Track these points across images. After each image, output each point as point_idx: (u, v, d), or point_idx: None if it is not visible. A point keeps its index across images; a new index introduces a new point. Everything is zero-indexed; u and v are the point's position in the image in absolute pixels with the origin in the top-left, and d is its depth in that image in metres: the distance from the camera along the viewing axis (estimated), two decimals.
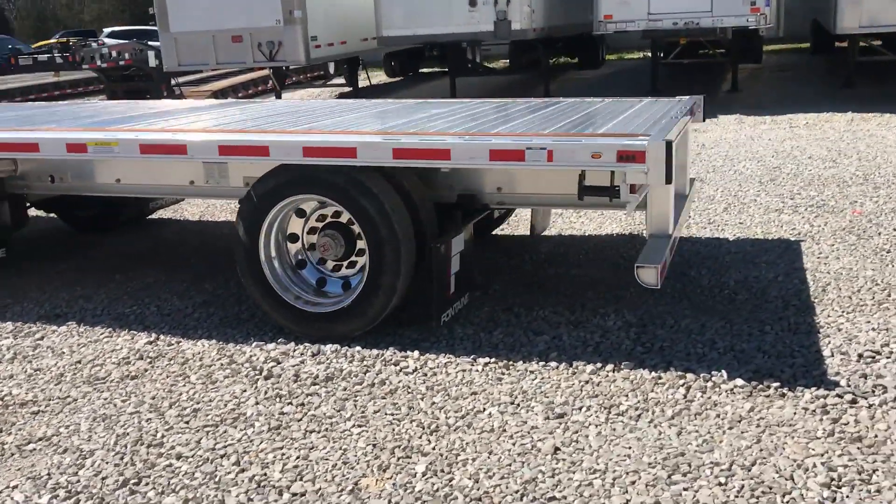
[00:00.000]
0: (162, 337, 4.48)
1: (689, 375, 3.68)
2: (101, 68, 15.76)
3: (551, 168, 3.72)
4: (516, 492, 2.90)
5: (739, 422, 3.29)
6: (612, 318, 4.38)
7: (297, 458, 3.21)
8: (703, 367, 3.75)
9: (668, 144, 3.51)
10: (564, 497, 2.86)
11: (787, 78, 16.21)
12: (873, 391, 3.46)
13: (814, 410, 3.33)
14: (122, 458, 3.26)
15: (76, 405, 3.75)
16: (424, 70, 22.01)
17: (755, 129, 10.57)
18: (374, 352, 4.10)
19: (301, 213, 4.35)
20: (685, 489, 2.86)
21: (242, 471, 3.13)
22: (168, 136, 4.32)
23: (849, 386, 3.51)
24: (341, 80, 19.41)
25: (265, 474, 3.10)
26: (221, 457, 3.24)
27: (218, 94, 17.21)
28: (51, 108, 6.97)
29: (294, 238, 4.40)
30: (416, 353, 4.06)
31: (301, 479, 3.06)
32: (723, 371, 3.69)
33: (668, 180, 3.55)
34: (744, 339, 4.05)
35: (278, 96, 16.23)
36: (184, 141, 4.24)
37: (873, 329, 4.08)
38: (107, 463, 3.24)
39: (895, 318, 4.21)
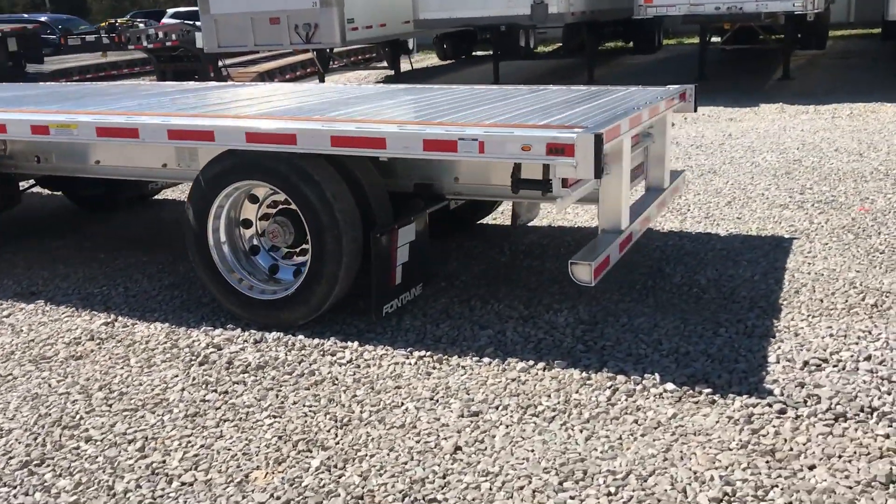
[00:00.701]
0: (120, 318, 4.54)
1: (620, 377, 3.55)
2: (147, 49, 16.06)
3: (484, 159, 3.61)
4: (400, 492, 2.84)
5: (656, 428, 3.16)
6: (564, 314, 4.26)
7: (201, 446, 3.20)
8: (638, 368, 3.62)
9: (598, 138, 3.37)
10: (446, 499, 2.79)
11: (848, 65, 15.57)
12: (805, 402, 3.28)
13: (737, 420, 3.18)
14: (35, 439, 3.30)
15: (14, 384, 3.82)
16: (479, 53, 21.82)
17: (794, 118, 10.18)
18: (316, 341, 4.07)
19: (254, 199, 4.34)
20: (571, 497, 2.76)
21: (144, 457, 3.14)
22: (122, 120, 4.35)
23: (782, 395, 3.34)
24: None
25: (164, 462, 3.11)
26: (129, 442, 3.26)
27: (264, 76, 17.41)
28: (66, 89, 7.13)
29: (248, 224, 4.40)
30: (356, 343, 4.02)
31: (196, 469, 3.05)
32: (656, 374, 3.55)
33: (598, 175, 3.41)
34: (693, 340, 3.90)
35: (321, 79, 16.31)
36: (135, 124, 4.26)
37: (831, 335, 3.87)
38: (19, 443, 3.29)
39: (860, 323, 3.99)
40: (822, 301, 4.31)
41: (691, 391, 3.42)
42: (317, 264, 4.04)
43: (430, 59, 23.05)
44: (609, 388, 3.48)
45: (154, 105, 5.13)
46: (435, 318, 4.30)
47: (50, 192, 7.07)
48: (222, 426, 3.35)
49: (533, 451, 3.05)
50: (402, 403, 3.45)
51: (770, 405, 3.27)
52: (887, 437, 3.02)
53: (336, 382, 3.67)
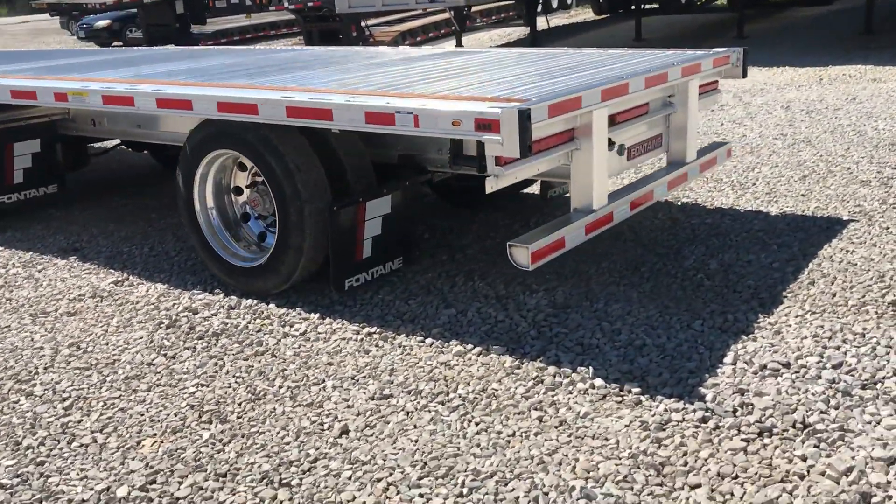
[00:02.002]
0: (130, 278, 4.77)
1: (551, 368, 3.34)
2: (290, 9, 16.57)
3: (420, 133, 3.46)
4: (263, 472, 2.82)
5: (557, 427, 2.95)
6: (539, 296, 4.04)
7: (119, 409, 3.32)
8: (577, 360, 3.38)
9: (522, 113, 3.13)
10: (300, 484, 2.74)
11: None
12: (735, 411, 2.94)
13: (649, 425, 2.90)
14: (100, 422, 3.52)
15: (5, 335, 4.12)
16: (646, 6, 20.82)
17: None
18: (283, 311, 4.10)
19: (243, 167, 4.40)
20: (420, 495, 2.64)
21: (65, 416, 3.30)
22: (123, 88, 4.52)
23: (713, 402, 3.01)
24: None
25: (79, 422, 3.25)
26: (63, 399, 3.43)
27: (406, 35, 17.57)
28: (134, 53, 7.51)
29: (239, 191, 4.47)
30: (317, 315, 4.01)
31: (101, 431, 3.17)
32: (590, 367, 3.30)
33: (524, 153, 3.18)
34: (656, 333, 3.59)
35: (458, 40, 16.25)
36: (131, 93, 4.42)
37: (815, 336, 3.44)
38: None
39: (861, 324, 3.52)
40: (833, 296, 3.84)
41: (619, 389, 3.16)
42: (283, 235, 4.05)
43: (586, 14, 22.40)
44: (533, 379, 3.28)
45: (174, 72, 5.30)
46: (409, 293, 4.22)
47: (135, 152, 7.50)
48: (152, 391, 3.46)
49: (417, 441, 2.94)
50: (324, 381, 3.42)
51: (694, 412, 2.96)
52: (804, 458, 2.66)
53: (276, 355, 3.69)
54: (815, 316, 3.65)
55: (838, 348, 3.33)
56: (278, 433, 3.06)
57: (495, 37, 18.39)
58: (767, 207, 5.24)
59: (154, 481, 2.82)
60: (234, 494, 2.72)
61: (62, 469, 2.94)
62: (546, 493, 2.58)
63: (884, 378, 3.08)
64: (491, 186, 3.33)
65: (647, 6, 17.15)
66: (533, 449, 2.83)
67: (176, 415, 3.25)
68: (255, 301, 4.23)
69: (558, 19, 21.87)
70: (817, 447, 2.71)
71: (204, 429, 3.14)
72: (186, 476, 2.84)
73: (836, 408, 2.92)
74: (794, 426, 2.84)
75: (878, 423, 2.81)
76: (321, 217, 3.98)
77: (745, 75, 4.99)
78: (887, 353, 3.26)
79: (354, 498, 2.65)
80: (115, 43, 22.03)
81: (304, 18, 17.19)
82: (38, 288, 4.73)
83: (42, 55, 8.24)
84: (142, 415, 3.28)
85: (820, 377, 3.12)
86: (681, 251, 4.56)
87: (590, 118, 3.64)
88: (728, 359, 3.31)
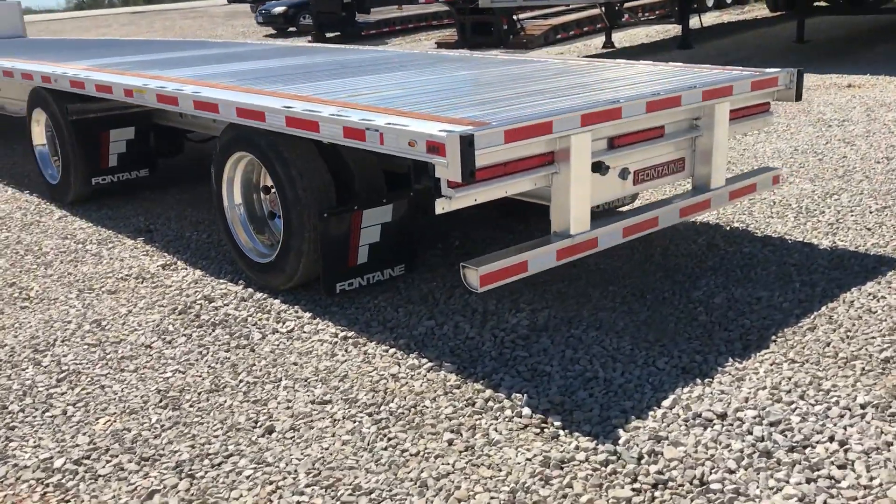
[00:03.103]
0: (178, 262, 5.17)
1: (489, 392, 3.36)
2: (443, 1, 16.84)
3: (386, 151, 3.55)
4: (176, 463, 3.04)
5: (462, 451, 2.98)
6: (522, 315, 4.04)
7: (100, 386, 3.66)
8: (519, 386, 3.38)
9: (464, 139, 3.15)
10: (202, 478, 2.94)
11: None
12: (641, 459, 2.86)
13: (550, 461, 2.88)
14: (10, 357, 4.00)
15: (47, 307, 4.60)
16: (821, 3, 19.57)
17: None
18: (283, 307, 4.33)
19: None
20: (298, 503, 2.77)
21: (54, 387, 3.68)
22: (172, 88, 4.89)
23: (623, 446, 2.94)
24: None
25: (64, 394, 3.61)
26: (61, 372, 3.82)
27: (558, 29, 17.47)
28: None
29: (267, 190, 4.73)
30: (309, 315, 4.21)
31: (74, 405, 3.51)
32: (525, 395, 3.30)
33: (465, 179, 3.20)
34: (613, 367, 3.51)
35: (608, 37, 15.98)
36: (175, 94, 4.78)
37: (775, 387, 3.26)
38: None
39: (832, 381, 3.29)
40: (827, 345, 3.59)
41: (543, 420, 3.14)
42: (287, 236, 4.28)
43: (759, 10, 21.28)
44: (467, 400, 3.32)
45: (239, 73, 5.64)
46: (404, 301, 4.32)
47: None
48: (136, 373, 3.78)
49: (327, 449, 3.06)
50: (280, 380, 3.61)
51: (599, 454, 2.91)
52: None
53: (255, 349, 3.92)
54: (793, 366, 3.44)
55: (790, 404, 3.14)
56: (214, 426, 3.28)
57: (652, 33, 17.88)
58: (820, 239, 4.91)
59: (89, 457, 3.11)
60: (144, 479, 2.96)
61: (25, 436, 3.30)
62: None
63: (817, 442, 2.89)
64: (441, 208, 3.37)
65: (818, 3, 16.08)
66: (424, 472, 2.89)
67: (141, 397, 3.54)
68: (266, 295, 4.48)
69: (730, 15, 20.94)
70: None
71: (156, 413, 3.41)
72: (116, 456, 3.11)
73: (746, 468, 2.77)
74: (691, 482, 2.73)
75: (779, 490, 2.65)
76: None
77: (798, 98, 4.69)
78: (840, 416, 3.04)
79: (241, 497, 2.83)
80: (290, 28, 23.28)
81: (458, 10, 17.45)
82: (98, 265, 5.22)
83: (167, 46, 8.92)
84: (116, 394, 3.60)
85: (750, 433, 2.96)
86: (698, 280, 4.39)
87: (567, 142, 3.59)
88: (666, 402, 3.20)
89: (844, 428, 2.96)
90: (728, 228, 5.23)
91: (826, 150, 6.98)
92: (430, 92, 4.42)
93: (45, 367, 3.87)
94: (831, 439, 2.89)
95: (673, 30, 17.75)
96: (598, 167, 3.84)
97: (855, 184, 5.97)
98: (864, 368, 3.38)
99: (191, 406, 3.45)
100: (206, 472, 2.97)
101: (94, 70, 6.13)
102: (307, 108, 3.95)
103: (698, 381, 3.36)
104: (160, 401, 3.50)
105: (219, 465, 3.02)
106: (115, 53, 7.87)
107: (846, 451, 2.83)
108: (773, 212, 5.49)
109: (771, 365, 3.46)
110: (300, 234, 4.19)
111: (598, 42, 16.95)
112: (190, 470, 2.99)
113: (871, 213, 5.32)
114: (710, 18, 19.06)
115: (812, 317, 3.88)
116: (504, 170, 3.49)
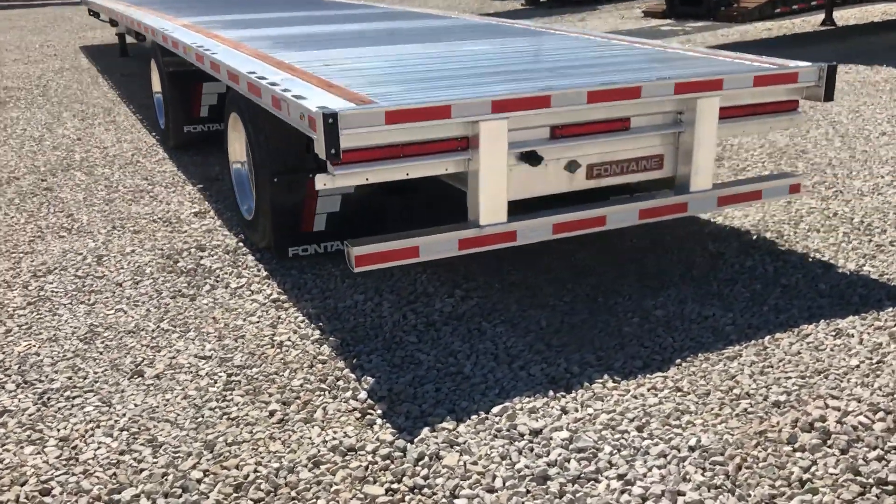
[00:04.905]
0: (210, 211, 5.53)
1: (346, 371, 3.37)
2: None
3: (278, 115, 3.63)
4: (31, 386, 3.36)
5: (267, 419, 3.05)
6: (452, 300, 3.96)
7: (48, 308, 4.08)
8: (376, 371, 3.36)
9: (327, 117, 3.14)
10: (44, 404, 3.24)
11: None
12: (418, 460, 2.78)
13: (337, 447, 2.88)
14: (13, 279, 4.54)
15: (77, 238, 5.12)
16: None
17: None
18: (252, 265, 4.53)
19: None
20: (193, 489, 2.98)
21: (19, 309, 4.15)
22: (202, 49, 5.20)
23: (413, 443, 2.86)
24: None
25: (20, 315, 4.08)
26: (34, 298, 4.29)
27: (776, 3, 16.26)
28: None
29: None
30: (265, 275, 4.39)
31: (20, 327, 3.95)
32: (373, 379, 3.28)
33: (332, 159, 3.19)
34: (489, 364, 3.39)
35: (829, 13, 14.64)
36: (202, 54, 5.08)
37: (607, 412, 2.99)
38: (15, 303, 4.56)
39: (685, 417, 2.97)
40: (729, 379, 3.24)
41: (371, 409, 3.12)
42: (258, 197, 4.47)
43: None
44: (320, 376, 3.35)
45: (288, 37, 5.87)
46: (369, 275, 4.33)
47: None
48: (91, 306, 4.16)
49: (167, 400, 3.24)
50: (188, 332, 3.82)
51: (387, 447, 2.85)
52: None
53: (194, 300, 4.16)
54: (671, 395, 3.14)
55: (620, 433, 2.88)
56: (102, 363, 3.56)
57: (892, 11, 16.00)
58: (847, 263, 4.33)
59: None
60: (11, 399, 3.30)
61: None
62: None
63: (606, 478, 2.64)
64: (323, 184, 3.38)
65: None
66: (221, 437, 2.98)
67: (73, 329, 3.91)
68: (248, 251, 4.71)
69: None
70: None
71: (70, 344, 3.75)
72: (8, 375, 3.49)
73: (510, 489, 2.61)
74: (444, 492, 2.62)
75: None
76: (290, 186, 4.30)
77: (828, 98, 4.14)
78: (659, 456, 2.75)
79: (62, 430, 3.08)
80: None
81: None
82: (148, 206, 5.72)
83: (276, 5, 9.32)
84: (50, 321, 3.99)
85: (545, 455, 2.77)
86: (665, 290, 4.07)
87: (476, 128, 3.46)
88: (496, 409, 3.05)
89: (649, 468, 2.68)
90: (755, 237, 4.74)
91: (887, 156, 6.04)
92: (397, 67, 4.38)
93: (28, 291, 4.36)
94: (620, 477, 2.64)
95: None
96: (530, 157, 3.66)
97: None
98: (745, 409, 3.01)
99: (102, 343, 3.76)
100: (57, 404, 3.26)
101: (184, 27, 6.62)
102: (259, 74, 4.09)
103: (552, 392, 3.16)
104: (85, 333, 3.84)
105: (73, 398, 3.30)
106: (218, 11, 8.40)
107: (624, 491, 2.57)
108: (824, 224, 4.89)
109: (647, 390, 3.17)
110: (265, 196, 4.36)
111: (817, 20, 15.47)
112: (48, 399, 3.29)
113: None
114: None
115: (744, 346, 3.48)
116: (402, 151, 3.42)
